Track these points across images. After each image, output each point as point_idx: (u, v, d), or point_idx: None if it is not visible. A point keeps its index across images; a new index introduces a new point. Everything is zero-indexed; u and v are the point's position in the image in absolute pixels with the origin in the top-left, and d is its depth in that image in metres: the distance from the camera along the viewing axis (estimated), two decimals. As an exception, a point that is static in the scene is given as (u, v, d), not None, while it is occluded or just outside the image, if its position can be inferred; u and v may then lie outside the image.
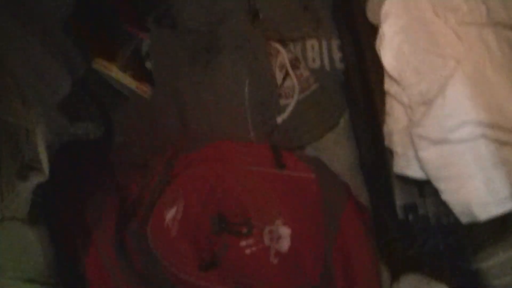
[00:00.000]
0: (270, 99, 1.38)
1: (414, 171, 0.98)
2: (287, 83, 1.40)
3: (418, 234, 0.99)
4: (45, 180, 1.08)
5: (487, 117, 0.89)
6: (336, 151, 1.37)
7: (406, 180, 1.01)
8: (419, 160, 0.95)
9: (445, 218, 0.95)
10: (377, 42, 1.03)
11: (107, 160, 1.33)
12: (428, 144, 0.93)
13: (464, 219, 0.89)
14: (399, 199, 1.00)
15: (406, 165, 0.99)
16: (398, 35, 1.00)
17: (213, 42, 1.43)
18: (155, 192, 1.19)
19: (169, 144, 1.32)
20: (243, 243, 1.10)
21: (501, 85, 0.92)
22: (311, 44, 1.41)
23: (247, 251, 1.10)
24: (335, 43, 1.40)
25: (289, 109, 1.37)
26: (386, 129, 1.03)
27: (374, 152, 1.11)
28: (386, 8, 1.03)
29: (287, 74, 1.41)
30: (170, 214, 1.14)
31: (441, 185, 0.93)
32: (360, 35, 1.14)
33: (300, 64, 1.40)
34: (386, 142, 1.03)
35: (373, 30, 1.08)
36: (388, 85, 1.02)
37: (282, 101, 1.39)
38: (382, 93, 1.04)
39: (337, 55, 1.39)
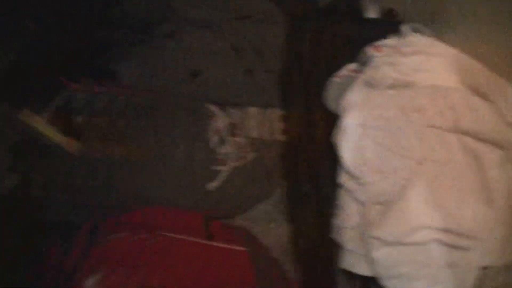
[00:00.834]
0: (203, 165, 1.31)
1: (362, 269, 0.97)
2: (223, 149, 1.34)
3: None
4: None
5: (441, 222, 0.90)
6: (268, 224, 1.32)
7: (351, 274, 0.99)
8: (370, 259, 0.93)
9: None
10: (336, 134, 1.00)
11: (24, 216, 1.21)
12: (382, 244, 0.92)
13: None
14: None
15: (355, 262, 0.98)
16: (359, 129, 0.98)
17: (150, 101, 1.35)
18: (77, 259, 1.08)
19: (95, 205, 1.21)
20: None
21: (457, 192, 0.93)
22: (252, 111, 1.36)
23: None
24: (277, 113, 1.36)
25: (222, 177, 1.31)
26: (336, 222, 1.01)
27: (317, 240, 1.08)
28: (348, 99, 1.01)
29: (223, 140, 1.35)
30: (90, 282, 1.04)
31: (389, 284, 0.93)
32: (313, 115, 1.11)
33: (238, 131, 1.35)
34: (334, 235, 1.01)
35: (329, 115, 1.06)
36: (343, 179, 0.99)
37: (216, 167, 1.33)
38: (334, 185, 1.02)
39: (278, 126, 1.35)
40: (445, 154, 0.93)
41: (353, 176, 0.96)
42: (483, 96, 0.93)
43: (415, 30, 1.13)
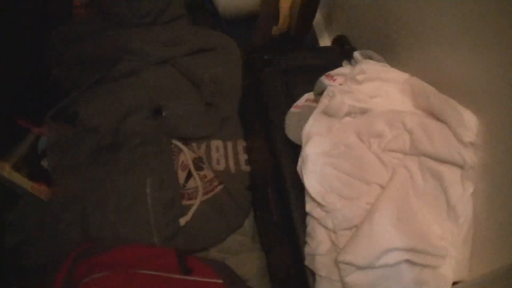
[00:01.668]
0: (173, 200, 1.32)
1: (337, 294, 0.98)
2: (191, 183, 1.35)
3: None
4: None
5: (410, 243, 0.92)
6: (242, 254, 1.33)
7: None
8: (344, 284, 0.95)
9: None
10: (299, 163, 1.02)
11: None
12: (354, 269, 0.93)
13: None
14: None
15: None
16: (321, 158, 1.00)
17: (114, 140, 1.35)
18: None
19: (69, 247, 1.20)
20: None
21: (423, 211, 0.95)
22: (216, 144, 1.38)
23: None
24: (241, 144, 1.38)
25: (192, 211, 1.32)
26: (307, 250, 1.02)
27: (292, 269, 1.10)
28: (308, 129, 1.03)
29: (190, 175, 1.36)
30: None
31: (363, 307, 0.95)
32: (275, 145, 1.13)
33: (204, 164, 1.37)
34: (307, 263, 1.02)
35: (291, 144, 1.09)
36: (310, 207, 1.01)
37: (185, 202, 1.34)
38: (302, 213, 1.03)
39: (243, 157, 1.37)
40: (407, 176, 0.96)
41: (319, 204, 0.98)
42: (438, 117, 0.97)
43: (367, 56, 1.17)
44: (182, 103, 1.39)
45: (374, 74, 1.07)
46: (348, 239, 0.95)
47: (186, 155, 1.36)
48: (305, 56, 1.28)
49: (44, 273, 1.16)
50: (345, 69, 1.11)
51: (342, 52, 1.28)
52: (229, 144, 1.38)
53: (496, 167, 0.87)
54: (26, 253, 1.22)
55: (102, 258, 1.17)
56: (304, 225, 1.03)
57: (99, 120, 1.32)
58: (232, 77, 1.46)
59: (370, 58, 1.16)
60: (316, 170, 0.99)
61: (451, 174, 0.93)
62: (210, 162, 1.35)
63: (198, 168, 1.36)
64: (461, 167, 0.92)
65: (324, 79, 1.08)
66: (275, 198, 1.13)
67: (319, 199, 0.99)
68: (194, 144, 1.37)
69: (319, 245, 0.99)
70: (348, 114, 1.04)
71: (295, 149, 1.05)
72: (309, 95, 1.13)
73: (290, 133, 1.08)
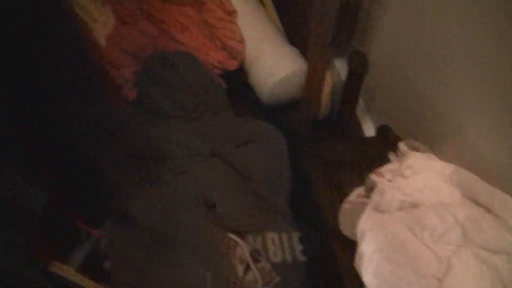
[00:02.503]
0: (232, 294, 1.36)
1: None
2: (249, 276, 1.39)
3: None
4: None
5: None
6: None
7: None
8: None
9: None
10: (356, 260, 1.05)
11: None
12: None
13: None
14: None
15: None
16: (377, 253, 1.04)
17: (168, 236, 1.41)
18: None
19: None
20: None
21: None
22: (271, 237, 1.42)
23: None
24: (295, 235, 1.42)
25: (253, 302, 1.35)
26: None
27: None
28: (361, 226, 1.08)
29: (248, 267, 1.40)
30: None
31: None
32: (329, 240, 1.17)
33: (261, 256, 1.41)
34: None
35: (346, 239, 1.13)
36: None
37: (245, 295, 1.38)
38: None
39: (298, 247, 1.41)
40: (464, 268, 0.98)
41: (377, 298, 1.01)
42: (487, 208, 1.00)
43: (412, 147, 1.21)
44: (236, 198, 1.45)
45: (420, 168, 1.11)
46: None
47: (243, 248, 1.40)
48: (351, 148, 1.33)
49: None
50: (392, 165, 1.16)
51: (386, 142, 1.32)
52: (284, 236, 1.42)
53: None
54: None
55: None
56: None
57: (151, 217, 1.38)
58: (280, 168, 1.52)
59: (415, 148, 1.20)
60: (372, 266, 1.02)
61: (507, 264, 0.96)
62: (267, 254, 1.39)
63: (255, 260, 1.39)
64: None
65: (373, 177, 1.12)
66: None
67: (377, 293, 1.02)
68: (250, 237, 1.41)
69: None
70: (399, 208, 1.08)
71: (350, 243, 1.09)
72: (360, 190, 1.18)
73: (343, 228, 1.12)
